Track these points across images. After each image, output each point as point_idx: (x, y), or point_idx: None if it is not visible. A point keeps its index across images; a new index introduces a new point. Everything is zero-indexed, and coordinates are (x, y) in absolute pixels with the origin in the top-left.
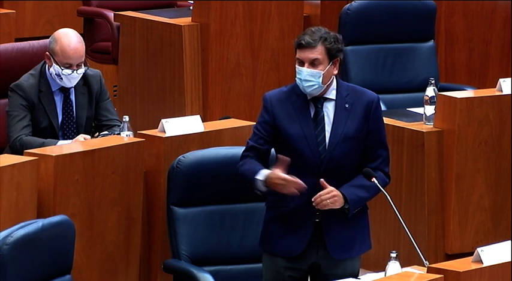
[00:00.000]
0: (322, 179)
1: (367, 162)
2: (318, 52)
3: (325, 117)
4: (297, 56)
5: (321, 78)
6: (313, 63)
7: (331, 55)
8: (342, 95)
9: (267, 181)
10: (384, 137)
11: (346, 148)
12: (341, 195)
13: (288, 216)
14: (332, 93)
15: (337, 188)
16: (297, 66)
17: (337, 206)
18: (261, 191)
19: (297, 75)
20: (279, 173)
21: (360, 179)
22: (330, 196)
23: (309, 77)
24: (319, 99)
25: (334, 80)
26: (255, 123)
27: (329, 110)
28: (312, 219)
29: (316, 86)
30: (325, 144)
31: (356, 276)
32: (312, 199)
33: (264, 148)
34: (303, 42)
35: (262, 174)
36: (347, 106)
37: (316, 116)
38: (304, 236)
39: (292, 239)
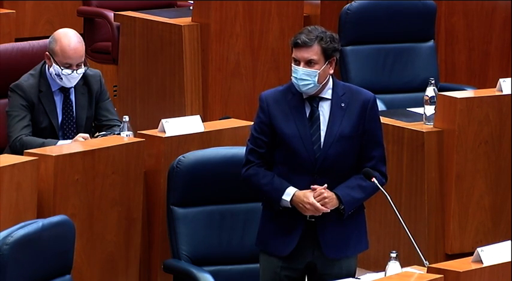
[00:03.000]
0: (312, 186)
1: (364, 162)
2: (314, 52)
3: (321, 117)
4: (293, 55)
5: (316, 78)
6: (309, 63)
7: (327, 55)
8: (338, 95)
9: (294, 199)
10: (381, 136)
11: (341, 147)
12: (334, 196)
13: (283, 215)
14: (328, 93)
15: (332, 187)
16: (292, 65)
17: (330, 207)
18: (282, 206)
19: (293, 74)
20: (310, 197)
21: (355, 179)
22: (320, 198)
23: (304, 76)
24: (315, 99)
25: (330, 80)
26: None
27: (325, 109)
28: (305, 218)
29: (312, 85)
30: (320, 143)
31: (353, 275)
32: (300, 210)
33: (262, 151)
34: (299, 41)
35: (289, 194)
36: (343, 105)
37: (312, 115)
38: (294, 235)
39: (285, 238)
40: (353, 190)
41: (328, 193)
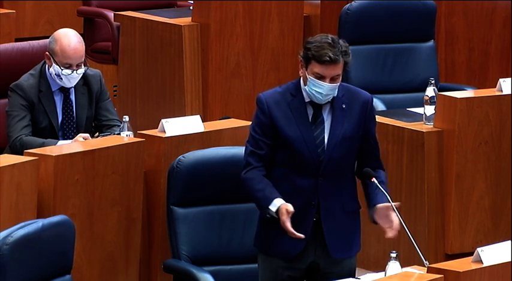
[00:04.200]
0: (396, 203)
1: (367, 161)
2: (339, 67)
3: (324, 119)
4: (317, 70)
5: (336, 90)
6: (334, 78)
7: (345, 67)
8: (338, 96)
9: (279, 211)
10: (376, 135)
11: (344, 148)
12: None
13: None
14: None
15: (335, 188)
16: (314, 79)
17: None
18: (270, 215)
19: (315, 88)
20: (285, 220)
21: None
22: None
23: (330, 92)
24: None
25: None
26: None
27: (326, 111)
28: (309, 219)
29: (332, 96)
30: (324, 145)
31: (353, 274)
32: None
33: (262, 153)
34: (328, 58)
35: (275, 205)
36: (344, 107)
37: (315, 118)
38: (305, 237)
39: (291, 240)
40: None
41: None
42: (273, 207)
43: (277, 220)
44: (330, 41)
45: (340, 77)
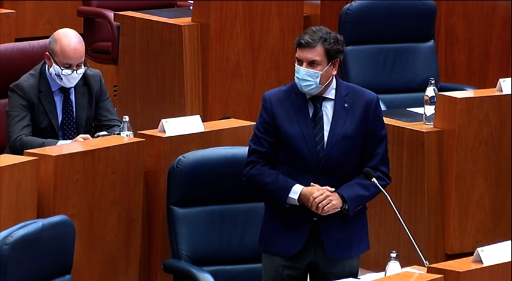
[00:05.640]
0: (312, 183)
1: (365, 161)
2: (317, 53)
3: (324, 117)
4: (296, 54)
5: (318, 79)
6: (312, 64)
7: (330, 56)
8: (341, 95)
9: (301, 198)
10: (384, 137)
11: (344, 147)
12: (337, 195)
13: (286, 215)
14: (331, 93)
15: (336, 188)
16: (296, 64)
17: (337, 206)
18: (292, 204)
19: (296, 74)
20: (316, 194)
21: (357, 179)
22: (323, 197)
23: (306, 77)
24: (318, 99)
25: (334, 80)
26: (254, 123)
27: (328, 109)
28: (309, 218)
29: (314, 86)
30: (324, 143)
31: (355, 275)
32: (310, 206)
33: (264, 150)
34: (303, 41)
35: (296, 192)
36: (346, 106)
37: (315, 116)
38: (301, 235)
39: (290, 238)
40: (356, 188)
41: (330, 193)
42: (293, 195)
43: (296, 210)
44: (315, 29)
45: (323, 66)
